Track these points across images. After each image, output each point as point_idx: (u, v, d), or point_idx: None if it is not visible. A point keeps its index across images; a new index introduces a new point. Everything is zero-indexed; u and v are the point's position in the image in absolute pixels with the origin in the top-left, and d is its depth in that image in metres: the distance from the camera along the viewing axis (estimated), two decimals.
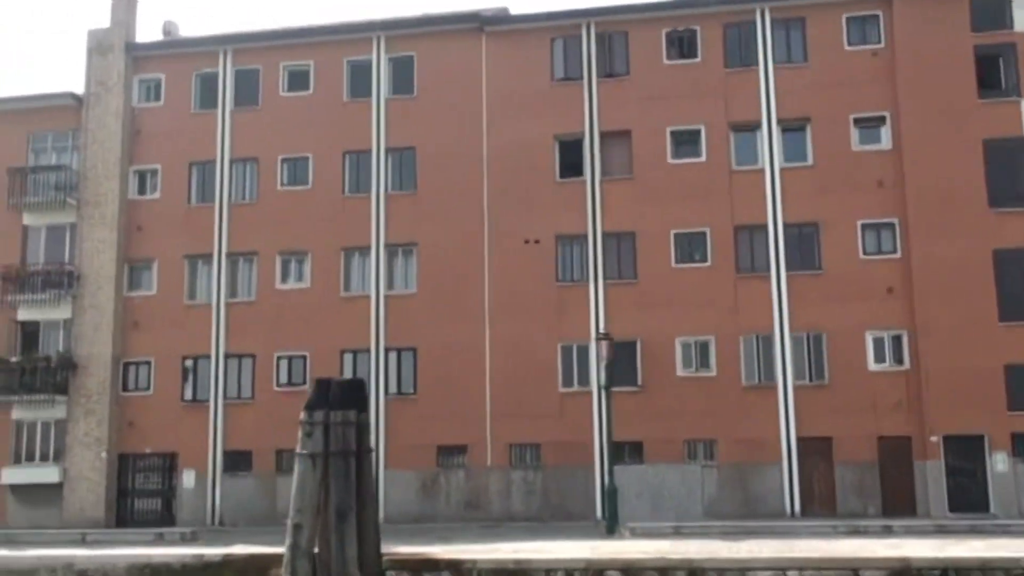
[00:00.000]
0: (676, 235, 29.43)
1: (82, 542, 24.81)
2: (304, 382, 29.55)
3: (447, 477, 29.61)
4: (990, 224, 27.86)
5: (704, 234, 29.37)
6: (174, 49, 33.62)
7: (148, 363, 31.43)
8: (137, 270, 32.10)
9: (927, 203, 28.19)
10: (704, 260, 29.32)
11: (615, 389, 26.80)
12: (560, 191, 30.31)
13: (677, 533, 23.58)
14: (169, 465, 30.90)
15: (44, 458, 31.25)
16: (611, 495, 25.07)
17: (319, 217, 31.12)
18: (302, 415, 14.33)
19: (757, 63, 30.06)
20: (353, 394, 14.91)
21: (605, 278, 29.64)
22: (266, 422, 29.81)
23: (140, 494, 31.05)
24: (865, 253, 28.66)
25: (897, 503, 27.37)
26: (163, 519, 30.29)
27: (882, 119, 29.22)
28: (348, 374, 29.30)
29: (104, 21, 38.32)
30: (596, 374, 28.45)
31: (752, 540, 20.40)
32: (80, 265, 31.76)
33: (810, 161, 29.45)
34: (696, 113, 29.96)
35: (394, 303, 30.61)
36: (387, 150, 31.41)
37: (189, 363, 31.30)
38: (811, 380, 28.35)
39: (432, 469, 29.58)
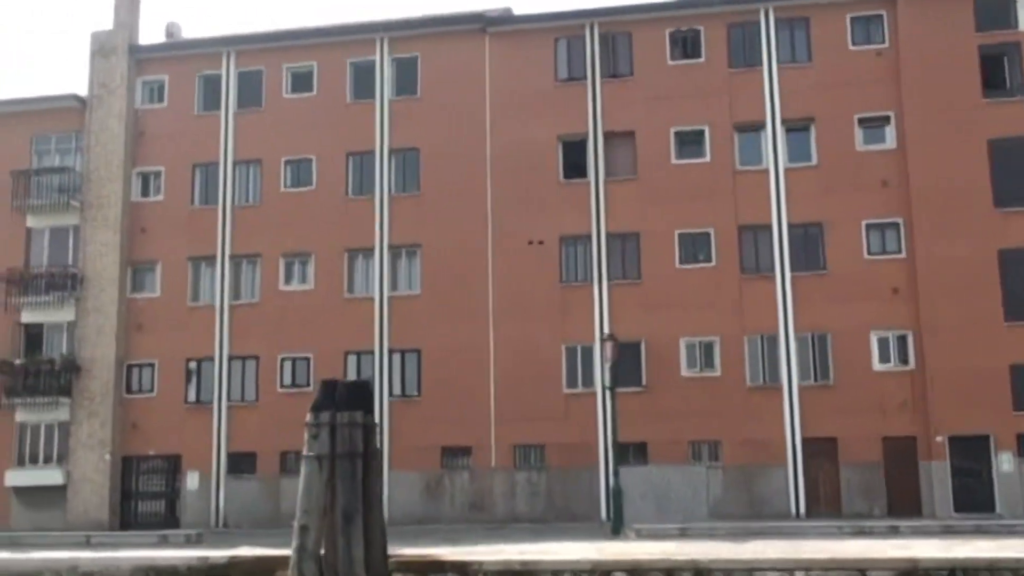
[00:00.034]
0: (680, 235, 29.40)
1: (86, 544, 24.74)
2: (308, 384, 29.54)
3: (451, 478, 29.57)
4: (995, 224, 27.83)
5: (708, 234, 29.34)
6: (177, 51, 33.62)
7: (152, 365, 31.42)
8: (140, 272, 32.10)
9: (932, 203, 28.15)
10: (708, 260, 29.29)
11: (619, 390, 26.78)
12: (564, 192, 30.28)
13: (683, 534, 23.49)
14: (173, 467, 30.90)
15: (48, 460, 31.27)
16: (616, 496, 25.07)
17: (322, 218, 31.10)
18: (308, 417, 14.25)
19: (761, 63, 30.03)
20: (359, 395, 14.83)
21: (609, 279, 29.60)
22: (270, 424, 29.82)
23: (144, 496, 31.07)
24: (870, 253, 28.62)
25: (902, 504, 27.32)
26: (167, 521, 30.24)
27: (886, 119, 29.18)
28: (352, 376, 29.31)
29: (107, 23, 38.37)
30: (600, 375, 28.46)
31: (758, 541, 20.34)
32: (83, 267, 31.73)
33: (814, 161, 29.42)
34: (700, 113, 29.93)
35: (398, 304, 30.58)
36: (391, 151, 31.40)
37: (193, 365, 31.30)
38: (816, 380, 28.31)
39: (436, 470, 29.56)
